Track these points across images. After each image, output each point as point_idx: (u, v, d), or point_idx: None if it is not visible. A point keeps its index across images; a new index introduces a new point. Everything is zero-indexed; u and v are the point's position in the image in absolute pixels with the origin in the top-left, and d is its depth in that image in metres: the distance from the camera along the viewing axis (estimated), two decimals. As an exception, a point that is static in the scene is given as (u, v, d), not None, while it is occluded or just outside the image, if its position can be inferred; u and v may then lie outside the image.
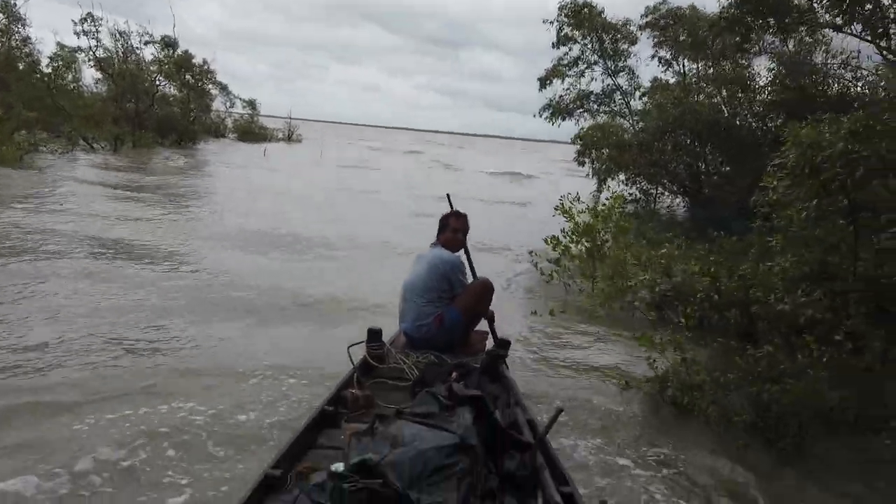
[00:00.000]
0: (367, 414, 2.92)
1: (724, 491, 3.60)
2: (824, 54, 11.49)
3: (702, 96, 11.07)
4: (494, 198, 20.04)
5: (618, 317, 6.70)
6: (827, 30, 10.98)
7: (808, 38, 12.05)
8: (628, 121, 16.04)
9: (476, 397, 2.60)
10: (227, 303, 6.55)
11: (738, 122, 11.30)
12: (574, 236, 8.31)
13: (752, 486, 3.62)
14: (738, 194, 11.89)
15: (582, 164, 14.64)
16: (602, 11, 16.57)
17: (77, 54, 29.48)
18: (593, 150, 13.72)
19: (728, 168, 11.84)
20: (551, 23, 16.89)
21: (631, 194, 15.08)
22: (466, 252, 4.71)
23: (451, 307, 4.30)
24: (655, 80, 17.44)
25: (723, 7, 10.02)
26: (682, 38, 14.90)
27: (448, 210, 4.69)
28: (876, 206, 4.78)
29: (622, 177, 13.34)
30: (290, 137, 52.82)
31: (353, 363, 3.66)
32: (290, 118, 54.78)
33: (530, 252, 9.03)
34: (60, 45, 29.95)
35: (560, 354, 5.82)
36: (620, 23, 16.72)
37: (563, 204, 8.57)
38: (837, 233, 4.92)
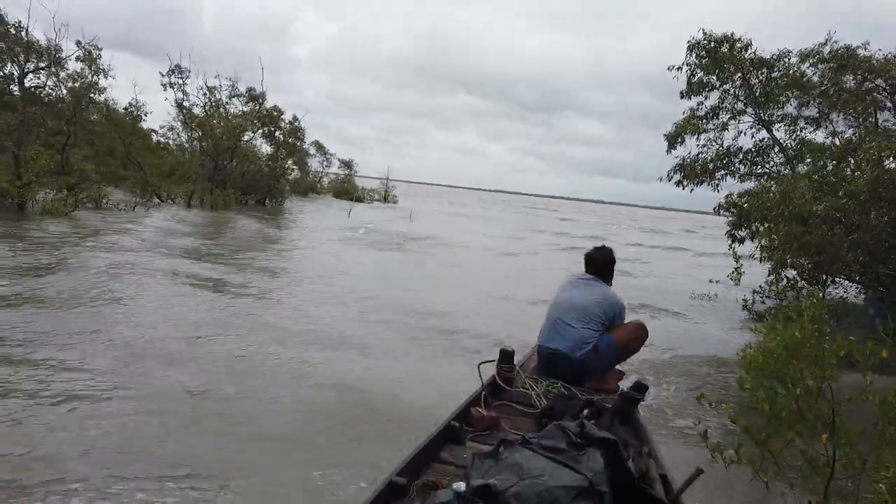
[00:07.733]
0: (491, 435, 3.00)
1: None
2: None
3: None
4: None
5: None
6: None
7: None
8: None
9: (610, 441, 2.34)
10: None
11: None
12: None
13: None
14: None
15: (739, 240, 10.42)
16: (749, 45, 13.07)
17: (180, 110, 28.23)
18: (755, 223, 9.73)
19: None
20: (678, 69, 13.57)
21: (792, 279, 10.98)
22: None
23: (606, 335, 4.20)
24: (804, 142, 13.62)
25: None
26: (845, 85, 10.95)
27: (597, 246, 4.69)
28: None
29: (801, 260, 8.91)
30: (386, 198, 51.54)
31: (482, 381, 3.61)
32: (388, 179, 53.66)
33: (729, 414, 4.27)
34: (178, 104, 27.94)
35: None
36: (774, 56, 13.10)
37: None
38: None
